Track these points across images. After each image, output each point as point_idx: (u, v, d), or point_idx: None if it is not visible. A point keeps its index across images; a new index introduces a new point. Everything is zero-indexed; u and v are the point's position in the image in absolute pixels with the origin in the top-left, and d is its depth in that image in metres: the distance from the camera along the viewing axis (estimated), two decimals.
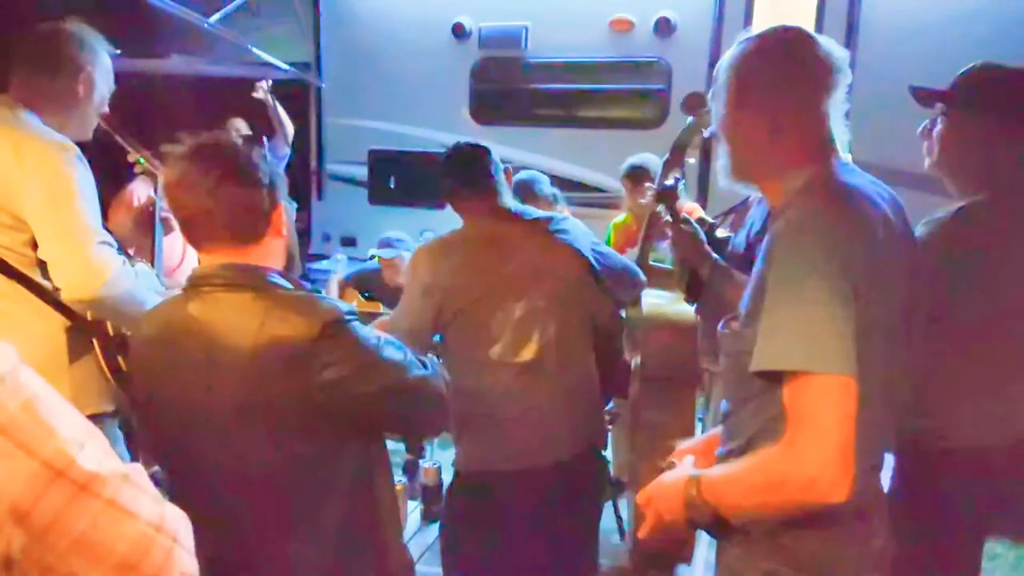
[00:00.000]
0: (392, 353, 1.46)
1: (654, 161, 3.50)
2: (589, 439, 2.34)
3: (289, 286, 1.46)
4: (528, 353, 2.16)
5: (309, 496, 1.44)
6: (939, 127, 1.84)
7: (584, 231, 2.35)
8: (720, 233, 2.35)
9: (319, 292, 1.56)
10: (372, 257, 4.06)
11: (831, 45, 1.36)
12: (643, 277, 2.42)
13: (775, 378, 1.22)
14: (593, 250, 2.30)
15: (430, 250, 2.25)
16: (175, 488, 1.54)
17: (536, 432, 2.19)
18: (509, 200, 2.29)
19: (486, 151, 2.27)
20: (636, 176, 3.63)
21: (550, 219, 2.30)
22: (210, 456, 1.44)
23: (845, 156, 1.40)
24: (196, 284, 1.46)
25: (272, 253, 1.51)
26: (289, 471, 1.43)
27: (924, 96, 1.86)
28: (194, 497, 1.48)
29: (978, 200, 1.77)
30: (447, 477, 2.97)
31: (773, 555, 1.34)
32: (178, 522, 0.88)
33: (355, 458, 1.48)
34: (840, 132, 1.37)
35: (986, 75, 1.81)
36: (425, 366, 1.52)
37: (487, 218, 2.24)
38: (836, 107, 1.36)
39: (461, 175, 2.27)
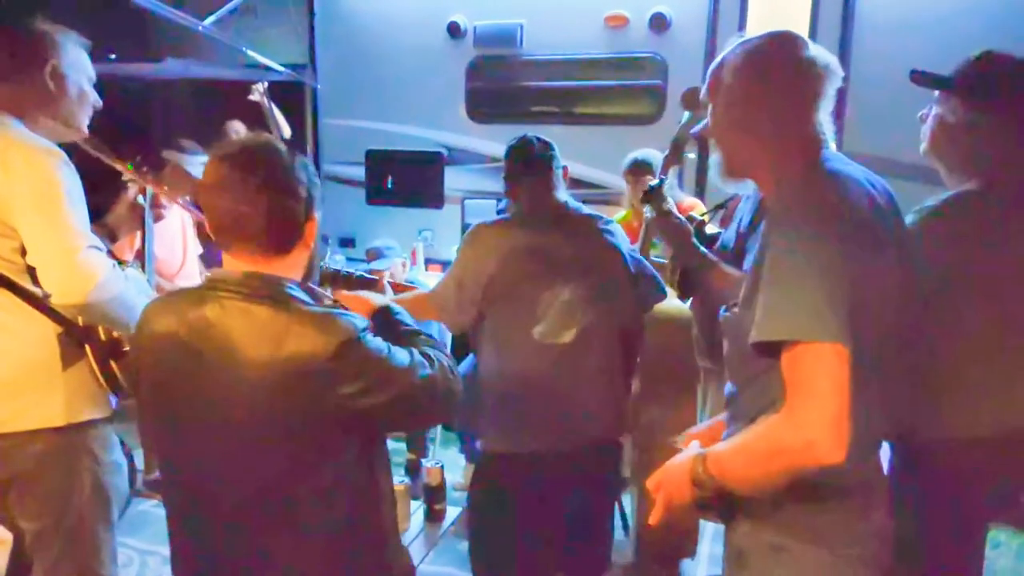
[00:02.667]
0: (401, 358, 1.46)
1: (656, 156, 3.49)
2: (615, 427, 2.44)
3: (308, 298, 1.44)
4: (568, 336, 2.25)
5: (315, 496, 1.44)
6: (933, 112, 1.84)
7: (624, 235, 2.46)
8: (709, 230, 2.36)
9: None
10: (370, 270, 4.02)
11: (819, 51, 1.42)
12: (666, 290, 2.50)
13: (776, 356, 1.26)
14: (631, 255, 2.42)
15: (488, 229, 2.37)
16: (174, 490, 1.55)
17: (571, 414, 2.29)
18: (564, 194, 2.42)
19: (548, 144, 2.41)
20: (638, 171, 3.62)
21: (600, 218, 2.43)
22: (215, 461, 1.45)
23: (831, 147, 1.44)
24: (215, 287, 1.44)
25: (297, 264, 1.50)
26: (296, 474, 1.43)
27: (921, 80, 1.84)
28: (195, 499, 1.50)
29: (969, 189, 1.76)
30: (450, 476, 2.97)
31: (779, 529, 1.40)
32: None
33: (360, 457, 1.49)
34: (827, 126, 1.43)
35: (987, 64, 1.79)
36: (432, 363, 1.52)
37: (544, 201, 2.37)
38: (826, 107, 1.42)
39: (522, 158, 2.40)
